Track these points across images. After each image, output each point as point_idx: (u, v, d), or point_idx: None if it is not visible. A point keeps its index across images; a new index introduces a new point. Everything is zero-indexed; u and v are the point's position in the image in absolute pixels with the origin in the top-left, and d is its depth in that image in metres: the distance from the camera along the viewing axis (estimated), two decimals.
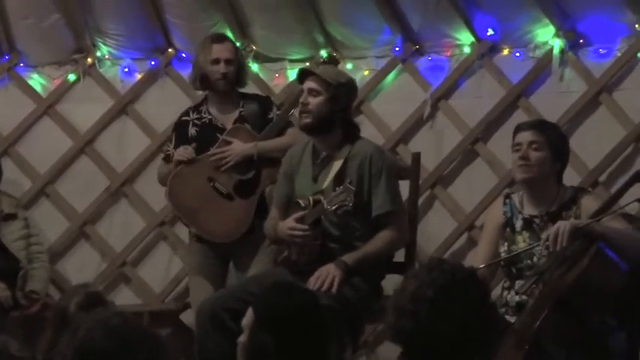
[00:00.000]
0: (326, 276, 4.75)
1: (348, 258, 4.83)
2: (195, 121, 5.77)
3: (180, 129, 5.82)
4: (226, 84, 5.69)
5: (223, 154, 5.59)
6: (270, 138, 5.59)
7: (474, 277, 3.06)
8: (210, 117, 5.75)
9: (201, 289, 5.58)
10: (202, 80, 5.75)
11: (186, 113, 5.86)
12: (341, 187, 4.74)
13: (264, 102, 5.80)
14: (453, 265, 3.07)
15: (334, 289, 4.71)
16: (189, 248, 5.98)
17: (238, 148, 5.58)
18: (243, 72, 5.82)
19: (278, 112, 5.70)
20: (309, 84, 5.02)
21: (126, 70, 6.75)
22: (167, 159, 5.84)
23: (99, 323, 2.84)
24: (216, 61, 5.70)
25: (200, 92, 5.98)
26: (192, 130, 5.75)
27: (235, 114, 5.72)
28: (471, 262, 5.20)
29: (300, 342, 3.33)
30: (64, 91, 6.76)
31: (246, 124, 5.66)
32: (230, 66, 5.69)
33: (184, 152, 5.66)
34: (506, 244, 4.67)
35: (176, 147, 5.77)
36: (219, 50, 5.73)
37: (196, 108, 5.84)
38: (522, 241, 4.62)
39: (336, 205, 4.71)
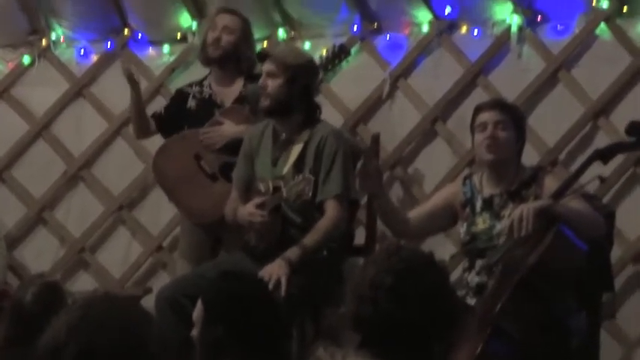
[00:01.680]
0: (269, 276, 4.62)
1: (292, 254, 4.75)
2: (196, 94, 5.71)
3: (177, 98, 5.76)
4: (217, 51, 5.59)
5: (213, 134, 5.52)
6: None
7: (432, 262, 3.04)
8: (210, 92, 5.68)
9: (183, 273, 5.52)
10: (202, 50, 5.69)
11: (189, 85, 5.80)
12: (300, 176, 4.71)
13: None
14: (412, 250, 3.06)
15: (282, 291, 4.59)
16: (181, 226, 5.93)
17: (229, 129, 5.49)
18: (247, 50, 5.65)
19: None
20: (267, 66, 4.98)
21: (82, 52, 6.67)
22: (153, 115, 5.77)
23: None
24: (214, 27, 5.63)
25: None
26: (191, 103, 5.69)
27: (235, 93, 5.63)
28: (435, 242, 5.23)
29: (252, 331, 3.31)
30: (18, 74, 6.69)
31: (246, 104, 5.54)
32: (227, 35, 5.59)
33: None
34: (465, 224, 4.67)
35: (166, 110, 5.74)
36: (221, 18, 5.67)
37: (200, 82, 5.76)
38: (482, 223, 4.61)
39: (295, 196, 4.68)
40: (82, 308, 2.64)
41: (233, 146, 5.42)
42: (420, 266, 2.98)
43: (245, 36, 5.69)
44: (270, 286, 4.55)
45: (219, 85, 5.69)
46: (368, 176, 4.73)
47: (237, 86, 5.65)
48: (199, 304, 3.39)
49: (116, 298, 2.81)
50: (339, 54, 5.60)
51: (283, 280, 4.63)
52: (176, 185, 5.60)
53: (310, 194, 4.68)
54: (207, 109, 5.63)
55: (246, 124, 5.43)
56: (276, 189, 4.81)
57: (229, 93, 5.65)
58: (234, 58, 5.63)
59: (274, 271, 4.65)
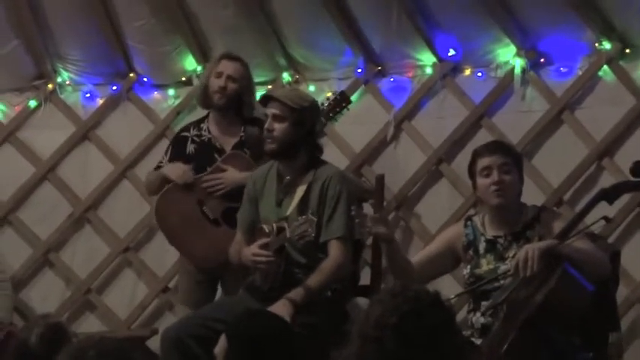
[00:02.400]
0: None
1: (296, 295, 4.77)
2: (195, 137, 5.71)
3: (178, 144, 5.75)
4: (223, 99, 5.60)
5: (216, 181, 5.54)
6: None
7: (438, 302, 3.04)
8: (209, 136, 5.67)
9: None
10: (203, 95, 5.70)
11: (186, 129, 5.79)
12: (303, 217, 4.72)
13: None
14: (417, 290, 3.05)
15: None
16: (180, 267, 5.94)
17: (231, 176, 5.51)
18: (249, 97, 5.67)
19: None
20: (273, 110, 4.98)
21: (87, 95, 6.73)
22: (158, 167, 5.76)
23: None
24: (219, 75, 5.64)
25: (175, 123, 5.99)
26: (190, 147, 5.69)
27: (236, 137, 5.64)
28: (439, 284, 5.24)
29: None
30: (25, 117, 6.73)
31: (246, 149, 5.58)
32: (232, 83, 5.60)
33: (182, 175, 5.58)
34: (469, 266, 4.66)
35: (171, 162, 5.71)
36: (225, 65, 5.67)
37: (197, 124, 5.76)
38: (486, 264, 4.60)
39: (298, 236, 4.69)
40: (83, 350, 2.64)
41: (236, 193, 5.42)
42: (425, 306, 2.98)
43: (248, 83, 5.72)
44: None
45: (219, 129, 5.70)
46: (379, 222, 4.71)
47: (237, 131, 5.67)
48: (222, 339, 3.39)
49: (122, 340, 2.81)
50: (340, 102, 5.62)
51: (288, 320, 4.65)
52: (179, 231, 5.62)
53: (313, 235, 4.70)
54: (207, 152, 5.64)
55: (249, 171, 5.42)
56: (280, 230, 4.83)
57: (230, 138, 5.67)
58: (236, 105, 5.66)
59: (278, 311, 4.67)
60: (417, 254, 4.98)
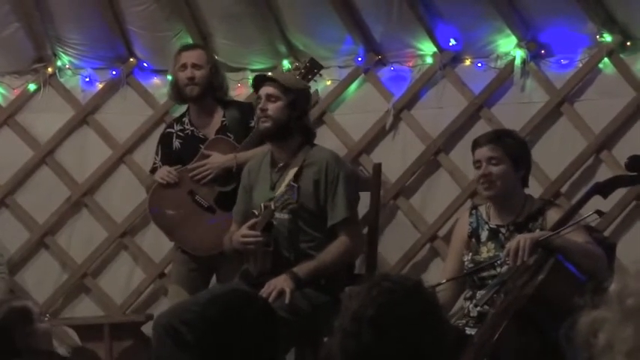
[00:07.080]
0: (273, 288, 4.72)
1: (300, 269, 4.81)
2: (179, 132, 5.75)
3: (164, 142, 5.81)
4: (195, 89, 5.66)
5: (202, 168, 5.55)
6: (251, 148, 5.51)
7: (416, 292, 2.95)
8: (192, 128, 5.72)
9: (177, 299, 5.53)
10: (175, 91, 5.75)
11: (170, 125, 5.85)
12: (286, 187, 4.77)
13: (245, 109, 5.73)
14: (395, 280, 2.96)
15: (286, 301, 4.67)
16: (173, 257, 5.96)
17: (217, 160, 5.53)
18: (219, 79, 5.76)
19: None
20: (268, 89, 5.03)
21: (87, 79, 6.69)
22: (153, 172, 5.80)
23: None
24: (184, 67, 5.69)
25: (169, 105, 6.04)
26: (176, 143, 5.74)
27: (217, 123, 5.68)
28: (437, 276, 5.21)
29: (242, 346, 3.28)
30: (24, 100, 6.69)
31: (229, 133, 5.61)
32: (197, 70, 5.67)
33: (167, 176, 5.62)
34: (470, 254, 4.67)
35: (162, 160, 5.76)
36: (186, 56, 5.74)
37: (179, 119, 5.81)
38: (486, 252, 4.62)
39: (282, 205, 4.73)
40: None
41: (225, 176, 5.48)
42: (401, 297, 2.89)
43: (214, 67, 5.79)
44: (271, 299, 4.60)
45: (200, 119, 5.74)
46: None
47: (218, 116, 5.71)
48: None
49: None
50: (312, 69, 5.68)
51: (287, 292, 4.69)
52: (176, 225, 5.65)
53: (296, 200, 4.77)
54: (192, 145, 5.67)
55: (233, 152, 5.47)
56: (267, 207, 4.85)
57: (211, 125, 5.71)
58: (210, 91, 5.70)
59: (278, 284, 4.71)
60: (446, 263, 4.97)
